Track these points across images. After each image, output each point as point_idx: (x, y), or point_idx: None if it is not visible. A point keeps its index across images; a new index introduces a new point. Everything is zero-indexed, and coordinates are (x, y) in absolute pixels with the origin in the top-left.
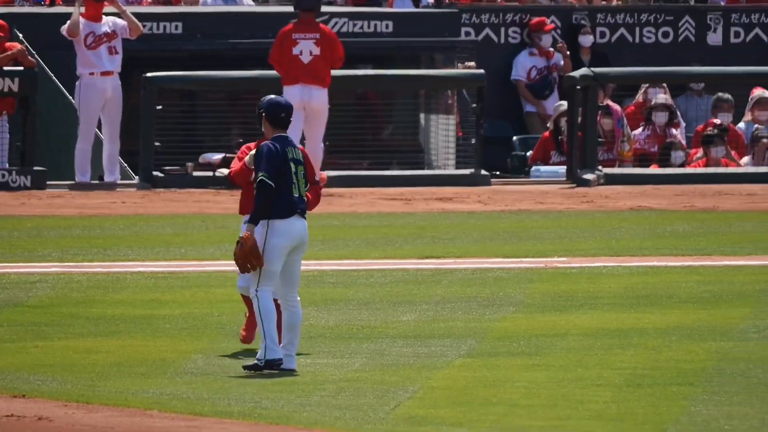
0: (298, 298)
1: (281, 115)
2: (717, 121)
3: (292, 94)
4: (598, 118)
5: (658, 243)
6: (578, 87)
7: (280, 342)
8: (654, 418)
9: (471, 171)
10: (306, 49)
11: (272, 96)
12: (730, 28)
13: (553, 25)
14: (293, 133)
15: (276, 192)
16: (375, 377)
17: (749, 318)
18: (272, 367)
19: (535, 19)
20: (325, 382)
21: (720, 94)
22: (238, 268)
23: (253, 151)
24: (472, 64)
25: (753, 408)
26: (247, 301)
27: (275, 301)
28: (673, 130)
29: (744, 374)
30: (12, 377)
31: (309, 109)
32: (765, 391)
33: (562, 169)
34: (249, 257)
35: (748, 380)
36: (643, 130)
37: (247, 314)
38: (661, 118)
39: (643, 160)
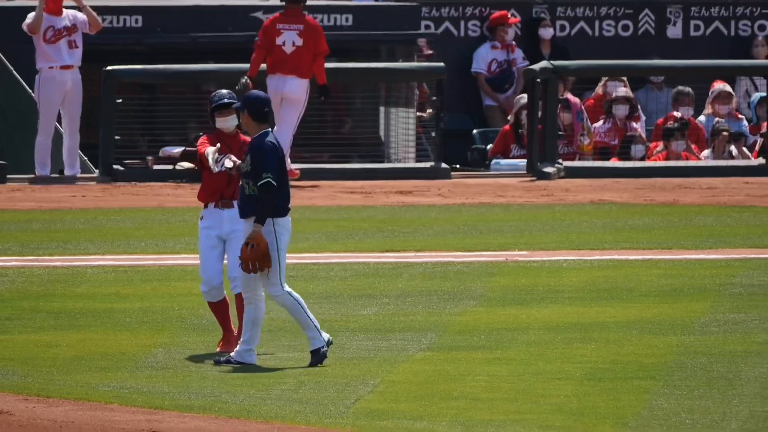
0: (263, 294)
1: (265, 109)
2: (677, 114)
3: (270, 84)
4: (558, 111)
5: (619, 237)
6: (538, 80)
7: (239, 337)
8: (615, 411)
9: (431, 164)
10: (289, 39)
11: (253, 91)
12: (689, 22)
13: (517, 19)
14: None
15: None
16: (335, 371)
17: (710, 312)
18: (321, 359)
19: (497, 13)
20: (286, 376)
21: (680, 87)
22: (243, 270)
23: (212, 150)
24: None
25: (714, 402)
26: (218, 308)
27: (239, 295)
28: (634, 124)
29: (705, 368)
30: None
31: (284, 98)
32: (726, 384)
33: (523, 162)
34: (262, 260)
35: (708, 374)
36: (604, 123)
37: (224, 327)
38: (621, 111)
39: (603, 153)
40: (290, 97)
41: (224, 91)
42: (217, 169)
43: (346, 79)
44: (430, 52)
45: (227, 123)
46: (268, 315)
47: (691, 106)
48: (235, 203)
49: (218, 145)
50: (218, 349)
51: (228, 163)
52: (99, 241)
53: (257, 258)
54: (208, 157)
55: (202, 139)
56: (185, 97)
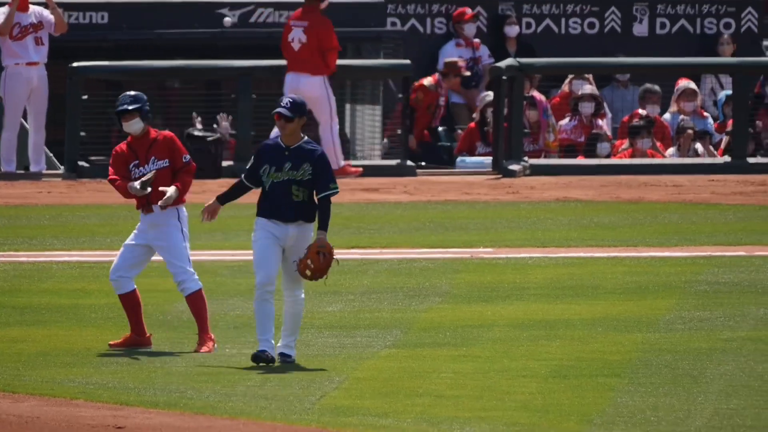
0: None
1: None
2: (643, 112)
3: (287, 81)
4: (524, 109)
5: (584, 234)
6: (504, 78)
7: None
8: (579, 409)
9: (397, 161)
10: (296, 37)
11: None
12: (656, 19)
13: (473, 13)
14: None
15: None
16: (301, 368)
17: (675, 309)
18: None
19: (458, 9)
20: (251, 372)
21: (648, 85)
22: (311, 278)
23: (136, 186)
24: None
25: (678, 399)
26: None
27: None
28: (599, 121)
29: (670, 365)
30: None
31: (305, 98)
32: (690, 382)
33: (488, 159)
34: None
35: (673, 371)
36: (570, 120)
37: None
38: (587, 108)
39: (569, 150)
40: (308, 95)
41: (129, 94)
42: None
43: None
44: (467, 73)
45: (132, 128)
46: (233, 312)
47: (658, 104)
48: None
49: (150, 175)
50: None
51: (137, 185)
52: (64, 237)
53: (329, 265)
54: (137, 192)
55: (114, 160)
56: (151, 93)
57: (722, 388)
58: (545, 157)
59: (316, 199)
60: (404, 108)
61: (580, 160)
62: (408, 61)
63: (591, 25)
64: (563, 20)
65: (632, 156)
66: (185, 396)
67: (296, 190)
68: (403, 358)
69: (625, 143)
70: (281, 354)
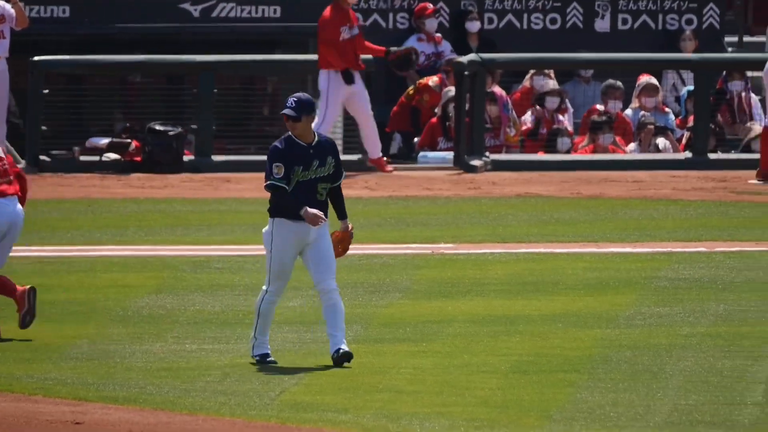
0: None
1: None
2: (601, 107)
3: None
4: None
5: (545, 230)
6: (466, 73)
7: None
8: (539, 404)
9: (358, 157)
10: None
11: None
12: (617, 15)
13: (434, 8)
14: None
15: None
16: (260, 363)
17: (635, 305)
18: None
19: (420, 4)
20: (211, 368)
21: (611, 81)
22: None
23: None
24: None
25: (638, 395)
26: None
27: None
28: (561, 117)
29: (629, 361)
30: None
31: None
32: (650, 378)
33: (450, 155)
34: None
35: (633, 367)
36: (532, 114)
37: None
38: (551, 103)
39: (531, 134)
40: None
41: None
42: None
43: (272, 71)
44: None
45: None
46: (193, 307)
47: (621, 100)
48: None
49: None
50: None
51: None
52: (25, 232)
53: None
54: None
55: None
56: (112, 88)
57: (681, 384)
58: (506, 152)
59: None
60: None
61: (541, 156)
62: (369, 56)
63: (553, 21)
64: (525, 16)
65: (594, 152)
66: (145, 392)
67: (322, 188)
68: (363, 353)
69: (584, 140)
70: (338, 350)
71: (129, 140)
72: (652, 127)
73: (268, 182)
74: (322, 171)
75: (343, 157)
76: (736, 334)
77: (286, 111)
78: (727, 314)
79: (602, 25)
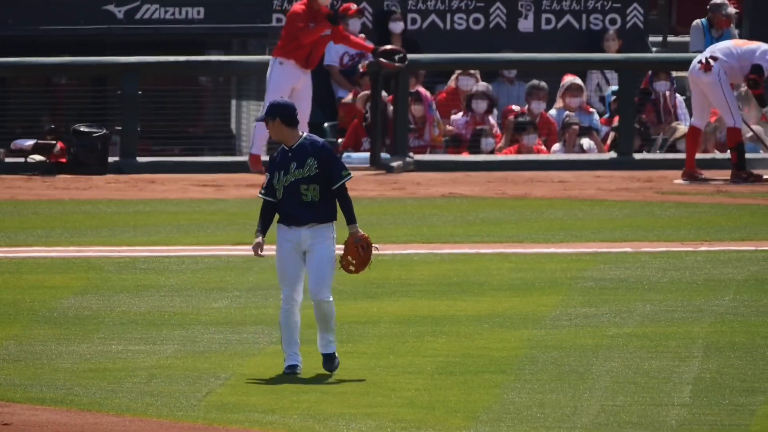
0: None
1: (295, 113)
2: (516, 108)
3: None
4: (409, 104)
5: (470, 230)
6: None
7: None
8: (466, 405)
9: None
10: None
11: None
12: (541, 15)
13: (357, 9)
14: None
15: None
16: (187, 364)
17: (561, 306)
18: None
19: (343, 5)
20: (137, 369)
21: (535, 81)
22: (355, 271)
23: None
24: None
25: (565, 396)
26: None
27: None
28: (490, 118)
29: (556, 362)
30: None
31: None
32: (577, 379)
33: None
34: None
35: (560, 368)
36: (463, 116)
37: None
38: (480, 105)
39: (455, 140)
40: None
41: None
42: None
43: (197, 72)
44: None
45: None
46: (119, 308)
47: (545, 101)
48: None
49: None
50: None
51: None
52: None
53: (370, 256)
54: None
55: None
56: (36, 90)
57: (608, 385)
58: (431, 152)
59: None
60: None
61: (466, 156)
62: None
63: (476, 21)
64: (448, 16)
65: (518, 152)
66: (72, 393)
67: (305, 189)
68: None
69: (502, 141)
70: (324, 355)
71: (54, 142)
72: (577, 127)
73: (259, 192)
74: (300, 173)
75: (266, 158)
76: (662, 335)
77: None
78: (654, 314)
79: (526, 25)
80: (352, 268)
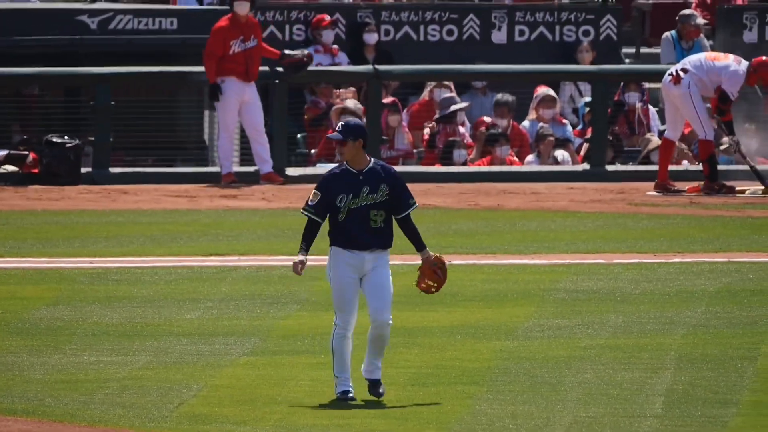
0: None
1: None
2: (487, 119)
3: None
4: (386, 114)
5: (443, 241)
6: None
7: None
8: (438, 417)
9: (255, 168)
10: None
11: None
12: (514, 27)
13: (330, 20)
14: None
15: None
16: (159, 375)
17: (534, 317)
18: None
19: (317, 16)
20: (109, 380)
21: (499, 96)
22: (435, 292)
23: None
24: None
25: (537, 407)
26: None
27: None
28: (461, 129)
29: (529, 373)
30: None
31: None
32: (549, 390)
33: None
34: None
35: (532, 379)
36: (437, 126)
37: None
38: (459, 118)
39: (430, 144)
40: None
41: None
42: None
43: (170, 83)
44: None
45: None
46: (91, 319)
47: (509, 117)
48: None
49: None
50: None
51: None
52: None
53: (446, 274)
54: None
55: None
56: (8, 100)
57: (581, 396)
58: (402, 163)
59: (395, 220)
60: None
61: (439, 168)
62: (267, 68)
63: (450, 32)
64: (422, 27)
65: (491, 164)
66: (43, 404)
67: (374, 215)
68: (262, 365)
69: (473, 153)
70: (370, 381)
71: (26, 152)
72: (552, 138)
73: (302, 209)
74: (373, 198)
75: (239, 168)
76: (635, 346)
77: (333, 135)
78: (626, 326)
79: (499, 36)
80: (433, 290)
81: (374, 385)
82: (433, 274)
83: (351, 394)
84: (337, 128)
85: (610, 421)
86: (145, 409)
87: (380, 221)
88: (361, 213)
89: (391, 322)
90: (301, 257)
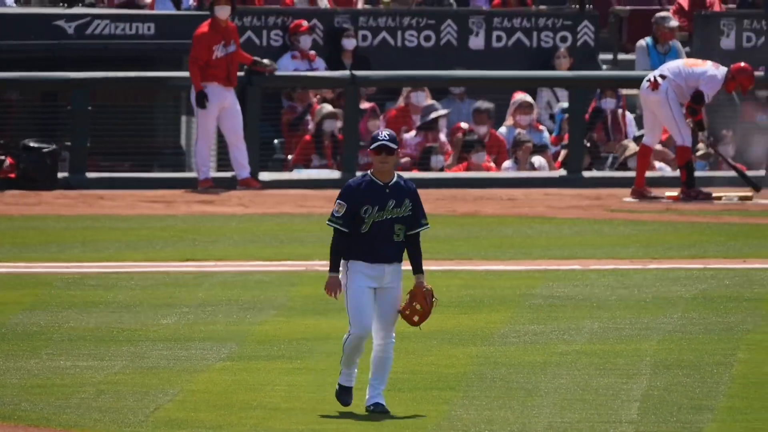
0: None
1: None
2: (464, 125)
3: None
4: (366, 119)
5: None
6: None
7: None
8: (414, 422)
9: (232, 174)
10: None
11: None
12: (492, 33)
13: (308, 26)
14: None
15: None
16: (135, 380)
17: (510, 322)
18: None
19: (294, 21)
20: (85, 384)
21: (478, 103)
22: (417, 322)
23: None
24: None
25: (513, 412)
26: None
27: None
28: (441, 135)
29: (504, 379)
30: None
31: None
32: (525, 395)
33: (324, 172)
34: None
35: (508, 384)
36: (416, 135)
37: None
38: (440, 124)
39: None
40: None
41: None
42: None
43: (148, 88)
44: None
45: None
46: (67, 324)
47: (488, 125)
48: None
49: None
50: None
51: None
52: None
53: (432, 308)
54: None
55: None
56: None
57: (556, 402)
58: None
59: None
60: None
61: (416, 173)
62: (242, 73)
63: (427, 38)
64: (399, 33)
65: (467, 169)
66: (19, 408)
67: (398, 229)
68: (238, 370)
69: (450, 158)
70: (376, 404)
71: (3, 157)
72: (530, 144)
73: (328, 221)
74: (398, 212)
75: (216, 174)
76: (610, 352)
77: (385, 143)
78: (602, 332)
79: (477, 42)
80: (416, 318)
81: (379, 409)
82: (423, 299)
83: (347, 391)
84: (382, 137)
85: (585, 427)
86: (121, 413)
87: (402, 235)
88: (385, 226)
89: (394, 339)
90: (338, 277)
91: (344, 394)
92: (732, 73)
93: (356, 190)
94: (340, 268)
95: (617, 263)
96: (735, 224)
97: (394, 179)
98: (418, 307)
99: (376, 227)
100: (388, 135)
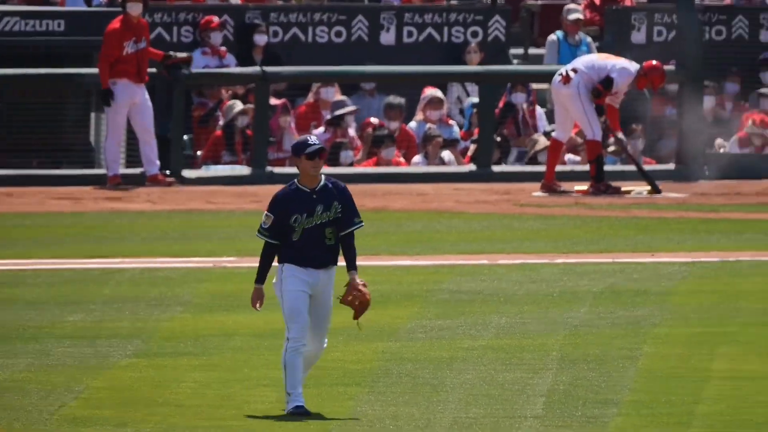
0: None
1: None
2: (374, 121)
3: None
4: (277, 115)
5: None
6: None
7: None
8: (319, 418)
9: (141, 170)
10: None
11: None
12: (403, 28)
13: (219, 22)
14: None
15: None
16: (40, 378)
17: (416, 318)
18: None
19: (204, 18)
20: None
21: (390, 99)
22: (358, 306)
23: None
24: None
25: (419, 408)
26: None
27: None
28: (351, 131)
29: (410, 374)
30: None
31: None
32: (431, 391)
33: (234, 167)
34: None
35: (414, 380)
36: (325, 131)
37: None
38: (348, 121)
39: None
40: None
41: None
42: None
43: (57, 84)
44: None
45: None
46: None
47: (400, 120)
48: None
49: None
50: None
51: None
52: None
53: (369, 300)
54: None
55: None
56: None
57: (462, 397)
58: (290, 165)
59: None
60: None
61: (325, 169)
62: (154, 70)
63: (338, 34)
64: (310, 29)
65: (376, 165)
66: None
67: (329, 232)
68: (144, 367)
69: (360, 154)
70: (296, 406)
71: None
72: (440, 139)
73: (257, 233)
74: (327, 215)
75: (125, 170)
76: (517, 347)
77: (322, 146)
78: (509, 327)
79: (387, 38)
80: (357, 303)
81: (300, 409)
82: (361, 291)
83: (304, 408)
84: (314, 142)
85: (490, 422)
86: (26, 411)
87: (334, 238)
88: (315, 232)
89: (325, 345)
90: (260, 288)
91: (299, 410)
92: (644, 70)
93: (283, 200)
94: (277, 273)
95: (526, 258)
96: (643, 218)
97: (321, 183)
98: (356, 293)
99: (306, 234)
100: (317, 139)
